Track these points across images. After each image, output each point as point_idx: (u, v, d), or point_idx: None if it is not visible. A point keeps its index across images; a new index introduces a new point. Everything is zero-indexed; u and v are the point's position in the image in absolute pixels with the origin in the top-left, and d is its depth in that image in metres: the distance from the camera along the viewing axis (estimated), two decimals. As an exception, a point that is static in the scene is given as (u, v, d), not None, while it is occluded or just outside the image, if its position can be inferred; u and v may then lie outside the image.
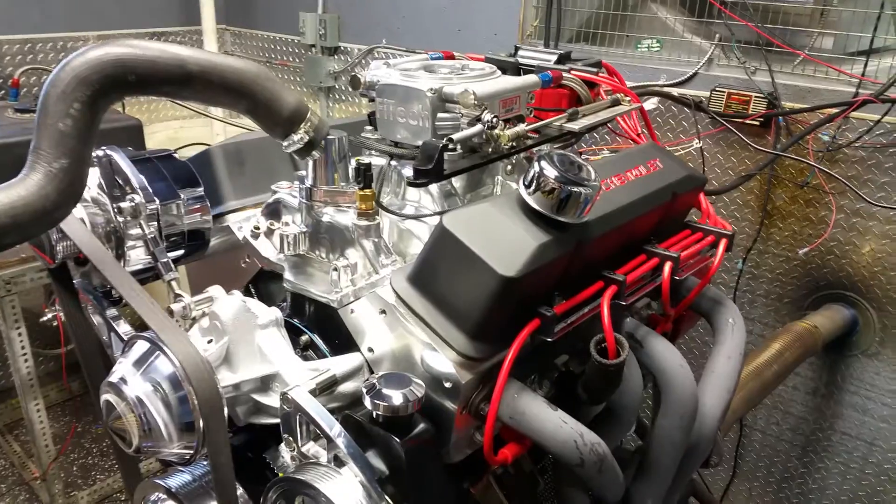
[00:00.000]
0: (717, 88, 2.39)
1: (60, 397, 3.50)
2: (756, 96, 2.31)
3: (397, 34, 3.32)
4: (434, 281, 1.00)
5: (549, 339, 1.00)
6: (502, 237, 0.97)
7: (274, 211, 1.27)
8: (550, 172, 0.98)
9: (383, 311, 1.04)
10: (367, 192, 1.10)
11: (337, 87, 3.66)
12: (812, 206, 2.32)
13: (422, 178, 1.08)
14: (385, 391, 0.94)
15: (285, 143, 1.10)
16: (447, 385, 0.98)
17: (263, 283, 1.31)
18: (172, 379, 0.97)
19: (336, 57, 3.62)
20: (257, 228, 1.27)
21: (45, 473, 2.81)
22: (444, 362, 0.98)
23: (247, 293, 1.32)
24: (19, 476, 3.17)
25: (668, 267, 1.19)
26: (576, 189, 0.98)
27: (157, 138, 3.62)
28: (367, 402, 0.94)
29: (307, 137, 1.09)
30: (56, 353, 3.21)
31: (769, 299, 2.54)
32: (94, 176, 1.16)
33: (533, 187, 1.00)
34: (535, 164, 1.00)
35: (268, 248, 1.25)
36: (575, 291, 1.08)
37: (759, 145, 2.33)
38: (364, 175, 1.08)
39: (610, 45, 2.72)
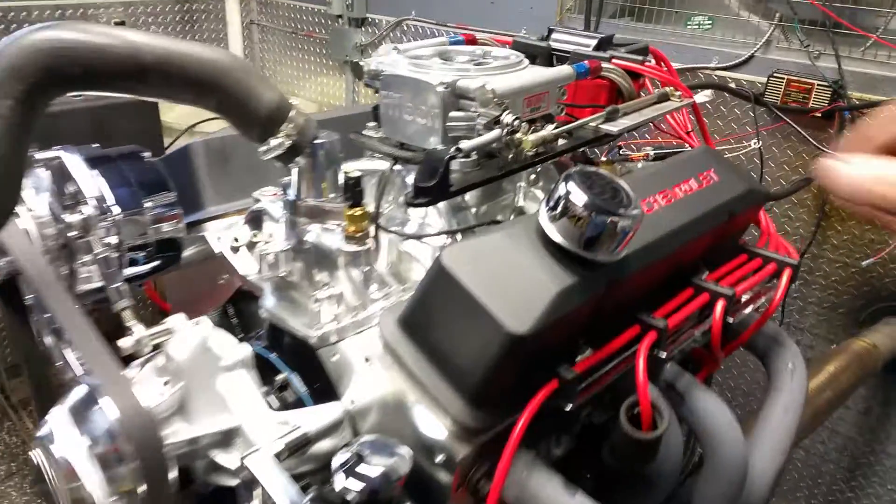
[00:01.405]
0: (776, 74, 2.13)
1: (60, 381, 3.41)
2: (819, 84, 2.05)
3: (427, 6, 3.10)
4: (428, 329, 0.81)
5: (569, 408, 0.81)
6: (514, 279, 0.78)
7: (256, 222, 1.10)
8: (579, 198, 0.78)
9: (368, 360, 0.87)
10: (357, 211, 0.91)
11: (363, 60, 3.45)
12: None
13: (422, 197, 0.89)
14: (361, 470, 0.76)
15: (263, 148, 0.91)
16: (440, 458, 0.80)
17: (245, 303, 1.14)
18: (110, 436, 0.81)
19: (363, 29, 3.42)
20: (237, 241, 1.10)
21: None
22: (437, 429, 0.80)
23: (224, 314, 1.15)
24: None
25: (720, 306, 0.98)
26: (610, 220, 0.78)
27: (176, 112, 3.47)
28: (338, 482, 0.76)
29: (289, 142, 0.91)
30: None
31: (822, 308, 2.31)
32: (45, 182, 1.00)
33: (556, 215, 0.80)
34: (560, 187, 0.80)
35: (248, 265, 1.08)
36: (603, 338, 0.88)
37: (820, 139, 2.08)
38: (353, 191, 0.89)
39: (657, 22, 2.48)
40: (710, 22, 2.44)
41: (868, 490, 2.37)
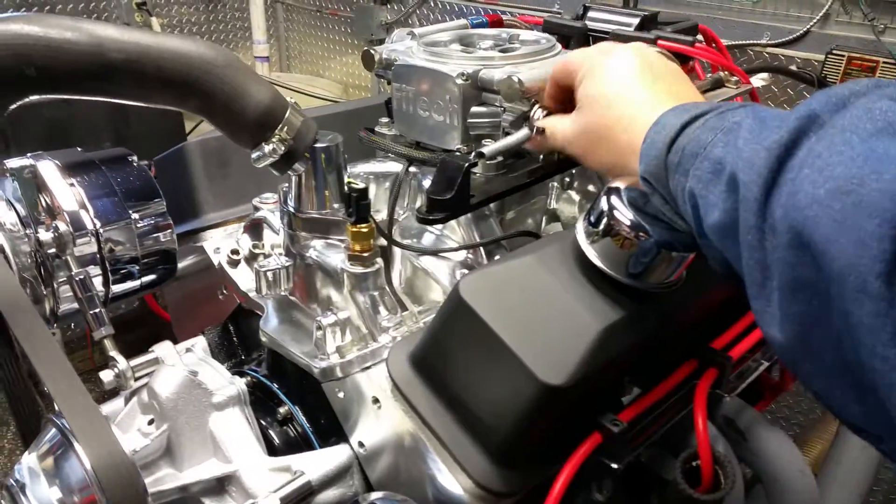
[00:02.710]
0: (835, 51, 1.95)
1: (83, 367, 3.36)
2: (886, 62, 1.87)
3: (455, -20, 2.95)
4: (445, 371, 0.69)
5: (616, 465, 0.68)
6: (549, 315, 0.65)
7: (256, 231, 0.98)
8: (624, 216, 0.65)
9: (376, 401, 0.74)
10: (363, 227, 0.78)
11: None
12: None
13: (438, 212, 0.76)
14: (368, 537, 0.65)
15: (255, 155, 0.79)
16: (462, 520, 0.68)
17: (248, 319, 1.03)
18: (84, 486, 0.71)
19: (389, 6, 3.27)
20: (235, 253, 0.98)
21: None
22: (456, 489, 0.67)
23: (225, 331, 1.04)
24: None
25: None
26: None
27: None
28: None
29: (283, 147, 0.79)
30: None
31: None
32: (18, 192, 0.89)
33: (598, 234, 0.67)
34: (602, 201, 0.67)
35: (248, 280, 0.97)
36: (653, 374, 0.75)
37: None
38: (358, 204, 0.77)
39: (701, -5, 2.29)
40: (759, -7, 2.26)
41: (932, 499, 2.20)
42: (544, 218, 1.07)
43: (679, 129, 0.57)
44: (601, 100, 0.67)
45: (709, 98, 1.06)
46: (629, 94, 0.65)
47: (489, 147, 0.77)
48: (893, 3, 1.86)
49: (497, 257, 0.87)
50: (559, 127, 0.74)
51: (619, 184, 0.68)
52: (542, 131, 0.76)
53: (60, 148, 1.00)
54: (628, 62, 0.67)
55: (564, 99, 0.77)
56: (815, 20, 2.04)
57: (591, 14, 1.19)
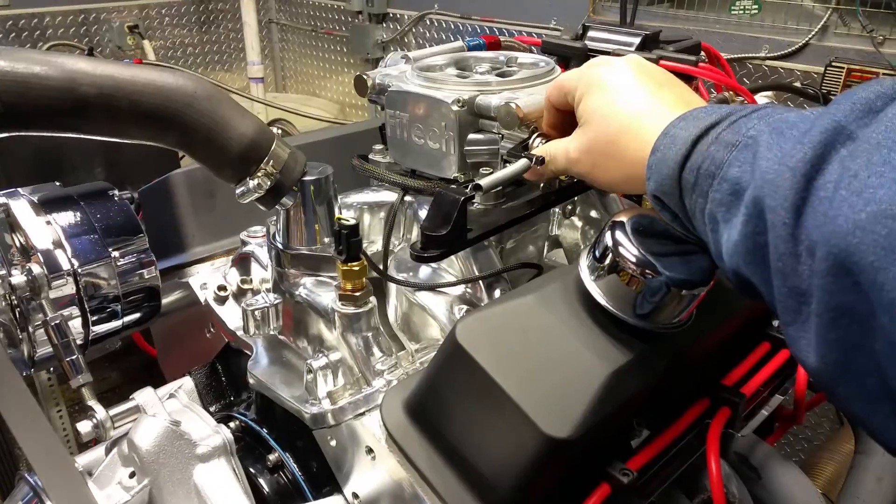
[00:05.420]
0: (835, 63, 1.92)
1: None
2: (886, 73, 1.84)
3: (451, -1, 2.93)
4: (442, 422, 0.64)
5: (626, 519, 0.63)
6: (551, 361, 0.61)
7: (245, 265, 0.94)
8: (630, 252, 0.61)
9: (370, 451, 0.70)
10: (354, 265, 0.74)
11: (385, 58, 3.29)
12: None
13: (433, 249, 0.72)
14: None
15: (239, 191, 0.75)
16: (463, 580, 0.63)
17: (235, 359, 0.98)
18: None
19: (384, 25, 3.26)
20: (222, 289, 0.94)
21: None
22: (458, 546, 0.63)
23: (213, 371, 1.00)
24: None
25: (804, 366, 0.80)
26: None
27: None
28: None
29: (269, 182, 0.75)
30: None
31: None
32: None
33: (602, 270, 0.63)
34: (606, 236, 0.63)
35: (236, 316, 0.93)
36: (663, 414, 0.71)
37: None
38: (347, 242, 0.72)
39: (700, 9, 2.27)
40: (756, 7, 2.24)
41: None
42: (546, 245, 1.03)
43: (691, 144, 0.54)
44: (605, 111, 0.64)
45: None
46: (634, 102, 0.63)
47: (486, 179, 0.73)
48: (892, 14, 1.84)
49: (497, 291, 0.83)
50: (561, 149, 0.70)
51: (624, 217, 0.64)
52: (541, 161, 0.72)
53: (51, 176, 0.97)
54: (627, 72, 0.65)
55: (564, 124, 0.73)
56: (813, 32, 2.02)
57: (590, 34, 1.16)
